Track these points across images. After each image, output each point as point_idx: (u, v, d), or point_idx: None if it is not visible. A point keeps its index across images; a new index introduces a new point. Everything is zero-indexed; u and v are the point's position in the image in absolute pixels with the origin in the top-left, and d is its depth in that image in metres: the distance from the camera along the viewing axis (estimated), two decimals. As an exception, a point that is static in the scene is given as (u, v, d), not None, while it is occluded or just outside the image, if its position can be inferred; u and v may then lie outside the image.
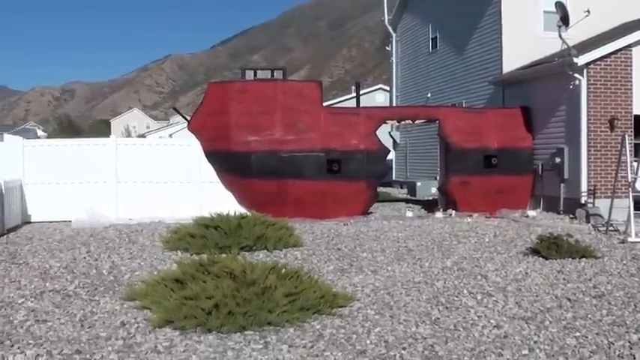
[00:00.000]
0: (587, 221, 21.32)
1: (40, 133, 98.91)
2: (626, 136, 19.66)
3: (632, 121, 22.43)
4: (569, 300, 11.27)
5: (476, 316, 10.23)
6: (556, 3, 24.19)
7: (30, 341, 9.04)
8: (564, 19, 23.87)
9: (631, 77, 22.50)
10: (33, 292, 12.13)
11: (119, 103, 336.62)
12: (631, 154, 19.82)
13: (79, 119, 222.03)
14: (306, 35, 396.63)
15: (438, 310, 10.67)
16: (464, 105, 30.05)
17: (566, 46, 22.78)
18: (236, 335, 9.23)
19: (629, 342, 8.94)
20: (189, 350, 8.63)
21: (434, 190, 30.48)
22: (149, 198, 23.38)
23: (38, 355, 8.46)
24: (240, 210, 20.13)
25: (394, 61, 40.70)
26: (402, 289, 12.21)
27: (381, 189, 28.09)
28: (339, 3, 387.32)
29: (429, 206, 26.63)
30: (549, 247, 15.29)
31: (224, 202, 21.77)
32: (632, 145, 20.83)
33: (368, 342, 8.98)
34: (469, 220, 22.64)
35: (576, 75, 22.34)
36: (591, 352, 8.51)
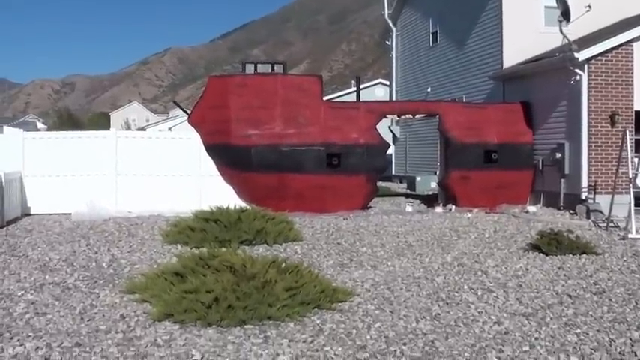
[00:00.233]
0: (588, 217, 21.30)
1: (40, 125, 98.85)
2: (627, 132, 19.63)
3: (633, 117, 22.38)
4: (570, 296, 11.24)
5: (476, 312, 10.20)
6: (557, -2, 24.13)
7: (29, 333, 9.01)
8: (565, 14, 23.80)
9: (632, 73, 22.45)
10: (33, 284, 12.11)
11: (119, 97, 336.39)
12: (632, 150, 19.78)
13: (79, 112, 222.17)
14: (305, 29, 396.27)
15: (439, 305, 10.64)
16: (464, 100, 29.99)
17: (567, 41, 22.73)
18: (236, 329, 9.21)
19: (630, 339, 8.90)
20: (189, 344, 8.61)
21: (433, 185, 30.46)
22: (149, 191, 23.38)
23: (38, 347, 8.43)
24: (240, 204, 20.09)
25: (394, 56, 40.64)
26: (402, 284, 12.18)
27: (380, 184, 28.07)
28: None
29: (429, 201, 26.62)
30: (550, 243, 15.26)
31: (224, 196, 21.74)
32: (633, 140, 20.79)
33: (368, 337, 8.96)
34: (469, 215, 22.62)
35: (577, 70, 22.29)
36: (592, 349, 8.48)
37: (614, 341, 8.80)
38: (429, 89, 34.96)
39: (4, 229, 19.57)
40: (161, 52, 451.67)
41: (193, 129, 24.40)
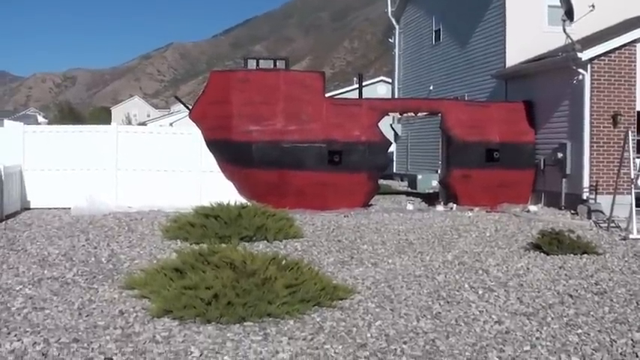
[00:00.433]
0: (589, 217, 21.24)
1: (40, 119, 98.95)
2: (630, 133, 19.57)
3: (635, 118, 22.31)
4: (571, 296, 11.20)
5: (477, 311, 10.16)
6: (561, -3, 24.07)
7: (27, 329, 8.97)
8: (569, 14, 23.73)
9: (635, 73, 22.38)
10: (31, 279, 12.07)
11: (120, 91, 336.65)
12: (634, 151, 19.74)
13: (80, 106, 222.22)
14: (308, 26, 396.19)
15: (439, 304, 10.60)
16: (466, 98, 29.93)
17: (570, 41, 22.67)
18: (235, 326, 9.16)
19: (632, 340, 8.86)
20: (188, 341, 8.56)
21: (434, 183, 30.40)
22: (149, 186, 23.32)
23: (35, 343, 8.39)
24: (241, 200, 20.06)
25: (397, 53, 40.59)
26: (402, 282, 12.14)
27: (381, 181, 28.00)
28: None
29: (430, 199, 26.57)
30: (551, 243, 15.23)
31: (224, 192, 21.65)
32: (635, 141, 20.74)
33: (368, 335, 8.91)
34: (470, 214, 22.57)
35: (580, 70, 22.23)
36: (594, 350, 8.44)
37: (616, 342, 8.77)
38: (431, 87, 34.90)
39: (3, 222, 19.53)
40: (163, 47, 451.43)
41: (194, 124, 24.33)
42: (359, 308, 10.23)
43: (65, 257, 14.21)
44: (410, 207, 24.51)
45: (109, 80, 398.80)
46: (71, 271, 12.76)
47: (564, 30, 22.98)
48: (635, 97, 22.28)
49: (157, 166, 23.67)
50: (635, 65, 22.33)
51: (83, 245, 15.70)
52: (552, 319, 9.82)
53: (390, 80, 47.24)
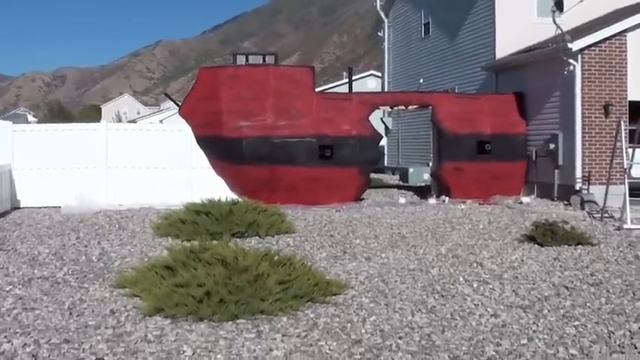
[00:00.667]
0: (582, 208, 21.19)
1: (30, 118, 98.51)
2: (622, 122, 19.51)
3: (627, 107, 22.26)
4: (567, 288, 11.11)
5: (472, 305, 10.05)
6: (550, -12, 24.00)
7: (17, 330, 8.84)
8: (558, 5, 23.69)
9: (625, 63, 22.34)
10: (21, 279, 11.93)
11: (110, 89, 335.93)
12: (626, 141, 19.68)
13: (70, 105, 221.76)
14: (297, 21, 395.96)
15: (434, 298, 10.49)
16: (456, 91, 29.83)
17: (560, 32, 22.60)
18: (228, 324, 9.05)
19: (630, 331, 8.78)
20: (180, 339, 8.44)
21: (426, 176, 30.35)
22: (139, 183, 23.19)
23: (25, 344, 8.26)
24: (232, 196, 19.91)
25: (386, 47, 40.48)
26: (396, 276, 12.04)
27: (372, 175, 27.90)
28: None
29: (422, 192, 26.49)
30: (545, 234, 15.15)
31: (215, 188, 21.58)
32: (627, 131, 20.69)
33: (363, 331, 8.80)
34: (463, 206, 22.50)
35: (570, 60, 22.17)
36: (591, 342, 8.34)
37: (614, 333, 8.68)
38: (421, 80, 34.80)
39: (-7, 222, 19.38)
40: (152, 44, 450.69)
41: (184, 121, 24.21)
42: (353, 304, 10.13)
43: (55, 256, 14.07)
44: (402, 200, 24.43)
45: (98, 78, 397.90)
46: (62, 271, 12.62)
47: (554, 21, 22.88)
48: (626, 86, 22.25)
49: (147, 163, 23.54)
50: (625, 55, 22.29)
51: (74, 244, 15.57)
52: (549, 311, 9.72)
53: (379, 74, 47.16)
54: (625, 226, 17.46)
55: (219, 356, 7.89)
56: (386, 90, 39.26)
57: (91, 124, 25.92)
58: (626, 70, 22.30)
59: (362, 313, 9.60)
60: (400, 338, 8.50)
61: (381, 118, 38.82)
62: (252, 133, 23.18)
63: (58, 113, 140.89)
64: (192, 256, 10.91)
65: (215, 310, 9.23)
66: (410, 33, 37.08)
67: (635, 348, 8.16)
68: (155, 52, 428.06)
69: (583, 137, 22.14)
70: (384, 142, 37.29)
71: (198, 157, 23.73)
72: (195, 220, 16.42)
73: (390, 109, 34.90)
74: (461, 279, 11.81)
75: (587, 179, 22.00)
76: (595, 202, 21.02)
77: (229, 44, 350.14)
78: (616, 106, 22.12)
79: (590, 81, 22.11)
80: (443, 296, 10.59)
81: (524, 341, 8.38)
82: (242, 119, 23.25)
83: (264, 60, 25.73)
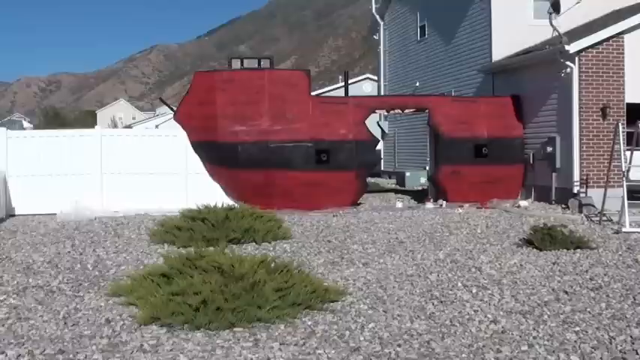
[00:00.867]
0: (580, 211, 21.09)
1: (25, 124, 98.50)
2: (620, 125, 19.44)
3: (625, 110, 22.18)
4: (567, 293, 11.01)
5: (472, 311, 9.95)
6: (547, -10, 23.94)
7: (11, 340, 8.73)
8: (555, 6, 23.65)
9: (623, 65, 22.27)
10: (15, 288, 11.81)
11: (105, 94, 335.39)
12: (624, 143, 19.60)
13: (66, 110, 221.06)
14: (292, 25, 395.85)
15: (433, 304, 10.39)
16: (453, 94, 29.78)
17: (557, 34, 22.57)
18: (225, 332, 8.94)
19: (631, 337, 8.67)
20: (177, 349, 8.33)
21: (423, 180, 30.28)
22: (135, 190, 23.08)
23: (19, 355, 8.16)
24: (228, 201, 19.86)
25: (382, 50, 40.38)
26: (394, 282, 11.93)
27: (369, 179, 27.80)
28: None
29: (419, 196, 26.42)
30: (543, 238, 15.05)
31: (211, 194, 21.56)
32: (625, 133, 20.61)
33: (362, 338, 8.69)
34: (460, 210, 22.39)
35: (568, 63, 22.08)
36: (592, 348, 8.24)
37: (615, 339, 8.58)
38: (417, 84, 34.72)
39: (-12, 230, 19.25)
40: (147, 49, 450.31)
41: (179, 126, 24.09)
42: (351, 310, 10.02)
43: (50, 264, 13.95)
44: (399, 205, 24.34)
45: (93, 84, 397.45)
46: (56, 279, 12.50)
47: (551, 23, 22.89)
48: (623, 88, 22.18)
49: (142, 169, 23.42)
50: (623, 57, 22.23)
51: (69, 252, 15.45)
52: (549, 316, 9.62)
53: (375, 78, 47.07)
54: (623, 229, 17.37)
55: (215, 366, 7.80)
56: (382, 94, 39.16)
57: (85, 130, 25.86)
58: (623, 72, 22.22)
59: (360, 320, 9.49)
60: (399, 346, 8.39)
61: (378, 122, 38.72)
62: (247, 137, 23.08)
63: (53, 119, 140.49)
64: (188, 263, 10.82)
65: (211, 318, 9.12)
66: (406, 36, 36.99)
67: (637, 354, 8.06)
68: (150, 57, 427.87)
69: (581, 140, 22.06)
70: (380, 145, 37.19)
71: (194, 163, 23.63)
72: (191, 227, 16.33)
73: (386, 113, 34.84)
74: (459, 284, 11.70)
75: (585, 182, 21.92)
76: (593, 206, 20.94)
77: (225, 48, 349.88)
78: (613, 109, 22.05)
79: (587, 83, 22.03)
80: (442, 302, 10.49)
81: (525, 348, 8.28)
82: (237, 124, 23.16)
83: (259, 64, 25.63)
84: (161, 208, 21.35)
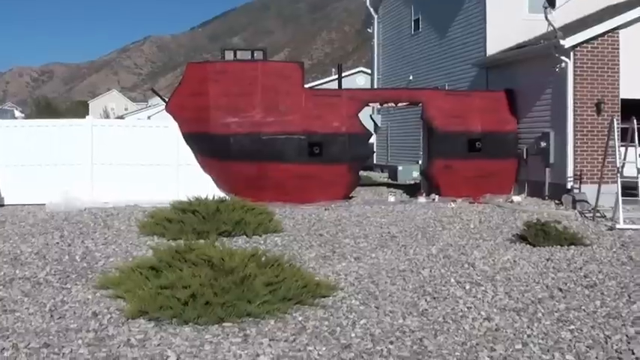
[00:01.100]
0: (574, 207, 20.95)
1: (17, 114, 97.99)
2: (614, 120, 19.32)
3: (619, 105, 22.06)
4: (561, 290, 10.88)
5: (465, 307, 9.81)
6: (542, -16, 23.79)
7: (-5, 333, 8.58)
8: (550, 1, 23.49)
9: (618, 60, 22.13)
10: (2, 279, 11.66)
11: (98, 85, 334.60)
12: (618, 139, 19.49)
13: (58, 100, 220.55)
14: (285, 18, 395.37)
15: (425, 300, 10.25)
16: (446, 88, 29.61)
17: (552, 28, 22.39)
18: (214, 327, 8.79)
19: (627, 336, 8.55)
20: (164, 344, 8.17)
21: (415, 174, 30.13)
22: (125, 181, 22.87)
23: (3, 348, 8.01)
24: (219, 194, 19.72)
25: (375, 43, 40.21)
26: (386, 277, 11.79)
27: (361, 173, 27.65)
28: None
29: (411, 190, 26.29)
30: (537, 234, 14.94)
31: (202, 186, 21.39)
32: (619, 129, 20.49)
33: (353, 335, 8.55)
34: (453, 205, 22.24)
35: (562, 57, 21.94)
36: (588, 347, 8.12)
37: (610, 338, 8.47)
38: (411, 77, 34.56)
39: (-24, 220, 19.06)
40: (140, 40, 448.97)
41: (171, 117, 23.92)
42: (342, 306, 9.88)
43: (38, 256, 13.79)
44: (392, 199, 24.19)
45: (86, 74, 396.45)
46: (44, 271, 12.34)
47: (546, 17, 22.69)
48: (618, 84, 22.05)
49: (133, 160, 23.22)
50: (618, 52, 22.09)
51: (57, 243, 15.28)
52: (543, 314, 9.50)
53: (369, 71, 46.93)
54: (617, 226, 17.25)
55: (203, 362, 7.65)
56: (375, 87, 39.01)
57: (76, 120, 25.66)
58: (618, 68, 22.10)
59: (352, 316, 9.35)
60: (391, 343, 8.26)
61: (371, 116, 38.54)
62: (240, 129, 22.91)
63: (45, 109, 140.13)
64: (177, 256, 10.66)
65: (200, 312, 8.98)
66: (400, 29, 36.82)
67: (633, 353, 7.94)
68: (143, 48, 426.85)
69: (575, 135, 21.93)
70: (373, 139, 37.04)
71: (185, 154, 23.45)
72: (182, 219, 16.17)
73: (379, 106, 34.69)
74: (452, 280, 11.57)
75: (578, 178, 21.80)
76: (587, 202, 20.81)
77: (218, 40, 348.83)
78: (608, 104, 21.93)
79: (582, 78, 21.90)
80: (434, 298, 10.35)
81: (519, 346, 8.15)
82: (230, 115, 22.98)
83: (252, 56, 25.44)
84: (151, 200, 21.16)
